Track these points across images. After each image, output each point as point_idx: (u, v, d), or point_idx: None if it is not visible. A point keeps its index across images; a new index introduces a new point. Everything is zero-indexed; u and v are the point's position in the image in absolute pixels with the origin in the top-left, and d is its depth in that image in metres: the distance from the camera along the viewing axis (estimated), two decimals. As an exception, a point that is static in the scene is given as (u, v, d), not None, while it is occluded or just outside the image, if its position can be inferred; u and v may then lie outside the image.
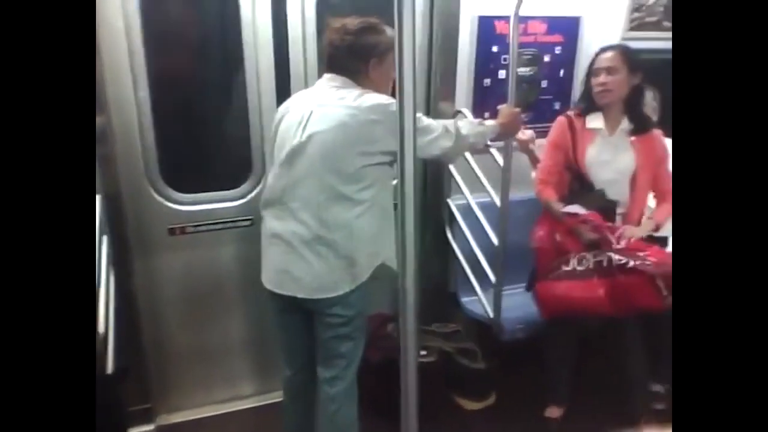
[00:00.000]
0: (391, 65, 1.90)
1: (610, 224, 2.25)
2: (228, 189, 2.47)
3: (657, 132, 2.33)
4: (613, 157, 2.32)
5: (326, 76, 1.94)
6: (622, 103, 2.31)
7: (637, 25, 2.87)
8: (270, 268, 2.00)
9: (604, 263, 2.18)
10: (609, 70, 2.26)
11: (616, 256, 2.15)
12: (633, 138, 2.31)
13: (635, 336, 2.31)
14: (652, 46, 2.92)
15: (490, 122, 2.17)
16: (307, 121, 1.85)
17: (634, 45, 2.85)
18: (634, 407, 2.35)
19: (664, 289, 2.12)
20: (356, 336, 2.03)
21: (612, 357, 2.38)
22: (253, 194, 2.47)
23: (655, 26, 2.91)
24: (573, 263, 2.24)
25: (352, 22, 1.89)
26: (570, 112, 2.43)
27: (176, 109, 2.38)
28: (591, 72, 2.33)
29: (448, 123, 2.02)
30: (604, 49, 2.34)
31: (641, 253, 2.15)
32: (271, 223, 1.96)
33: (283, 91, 2.37)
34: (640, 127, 2.31)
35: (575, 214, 2.26)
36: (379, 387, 2.05)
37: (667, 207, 2.36)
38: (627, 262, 2.13)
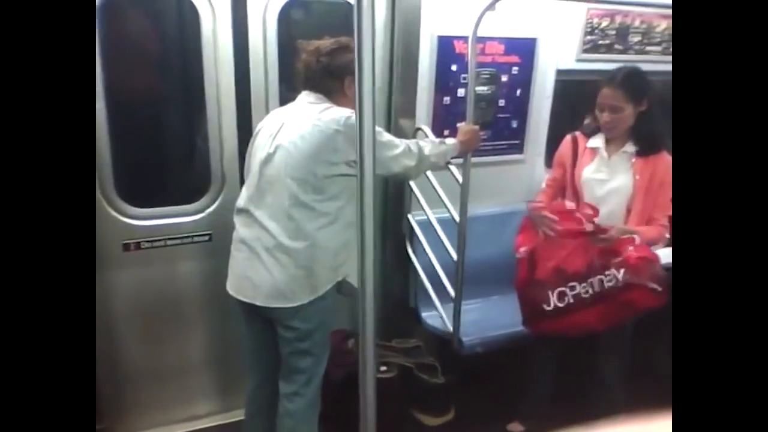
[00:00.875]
0: None
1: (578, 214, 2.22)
2: (185, 203, 2.42)
3: (666, 155, 2.23)
4: (609, 176, 2.30)
5: (303, 93, 2.01)
6: (628, 130, 2.26)
7: (590, 47, 2.98)
8: (233, 273, 2.03)
9: (587, 293, 2.18)
10: (612, 109, 2.21)
11: (600, 282, 2.16)
12: (635, 159, 2.25)
13: (613, 344, 2.34)
14: (605, 67, 3.05)
15: (450, 141, 2.23)
16: (277, 133, 1.93)
17: (588, 67, 2.99)
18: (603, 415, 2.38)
19: (657, 287, 2.12)
20: (316, 352, 2.03)
21: (587, 366, 2.41)
22: (211, 209, 2.43)
23: (608, 48, 3.02)
24: (553, 301, 2.22)
25: (325, 43, 1.96)
26: (577, 132, 2.44)
27: (132, 121, 2.33)
28: (596, 105, 2.26)
29: (411, 142, 2.09)
30: (605, 82, 2.23)
31: (625, 253, 2.15)
32: (239, 229, 2.01)
33: (243, 106, 2.36)
34: (646, 149, 2.24)
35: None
36: (340, 403, 2.04)
37: (653, 231, 2.24)
38: (615, 283, 2.14)
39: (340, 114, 1.88)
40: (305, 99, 1.99)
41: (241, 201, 2.02)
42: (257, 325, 2.06)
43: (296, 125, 1.91)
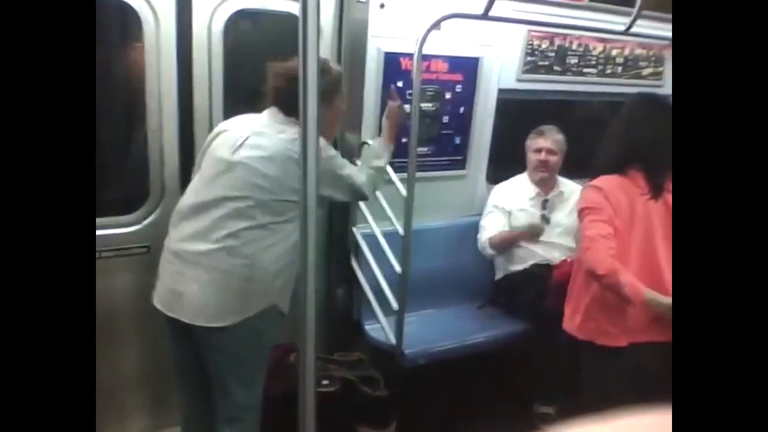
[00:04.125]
0: (340, 103, 1.99)
1: None
2: (122, 214, 2.35)
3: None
4: None
5: (271, 109, 1.96)
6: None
7: (530, 68, 3.09)
8: (162, 286, 1.94)
9: None
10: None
11: None
12: None
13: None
14: (545, 87, 3.18)
15: (376, 143, 2.29)
16: (241, 144, 1.87)
17: (528, 87, 3.11)
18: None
19: None
20: (249, 378, 1.96)
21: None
22: (149, 220, 2.36)
23: (548, 70, 3.15)
24: None
25: (295, 65, 1.87)
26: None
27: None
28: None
29: (360, 170, 2.15)
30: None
31: None
32: (175, 239, 1.91)
33: (186, 116, 2.32)
34: None
35: None
36: (281, 419, 2.01)
37: None
38: None
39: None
40: (274, 117, 1.94)
41: (185, 207, 1.92)
42: (185, 344, 1.96)
43: (264, 143, 1.86)
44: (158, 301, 1.94)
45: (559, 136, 2.98)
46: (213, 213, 1.84)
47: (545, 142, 2.95)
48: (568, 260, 2.62)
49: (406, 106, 2.36)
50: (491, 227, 2.97)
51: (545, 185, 3.01)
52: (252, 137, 1.88)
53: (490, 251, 2.95)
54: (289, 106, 1.89)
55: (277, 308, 1.93)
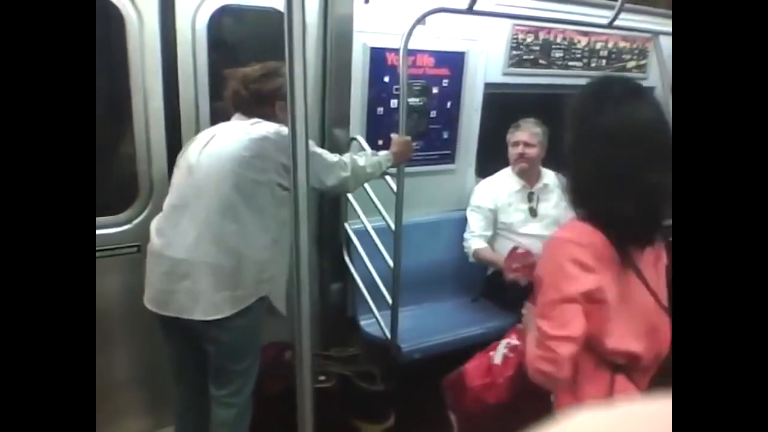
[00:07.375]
0: None
1: None
2: (111, 214, 2.33)
3: None
4: None
5: (235, 116, 2.03)
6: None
7: (516, 61, 3.11)
8: (151, 287, 1.97)
9: None
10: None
11: None
12: None
13: None
14: (531, 81, 3.19)
15: (384, 153, 2.27)
16: (207, 143, 1.93)
17: (514, 80, 3.12)
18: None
19: None
20: (244, 364, 2.01)
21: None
22: (139, 219, 2.34)
23: (533, 63, 3.17)
24: None
25: (252, 70, 2.00)
26: None
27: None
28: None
29: (344, 156, 2.13)
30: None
31: None
32: (157, 241, 1.95)
33: (172, 114, 2.30)
34: None
35: None
36: (278, 416, 2.01)
37: None
38: None
39: (270, 126, 1.93)
40: (237, 119, 2.02)
41: (165, 210, 1.98)
42: (179, 340, 2.01)
43: (227, 135, 1.92)
44: (150, 302, 1.97)
45: (537, 129, 2.94)
46: (191, 210, 1.89)
47: (522, 135, 2.94)
48: None
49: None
50: (478, 235, 2.98)
51: (529, 178, 3.01)
52: (217, 136, 1.95)
53: (472, 260, 2.98)
54: (251, 109, 2.00)
55: (268, 301, 1.98)
